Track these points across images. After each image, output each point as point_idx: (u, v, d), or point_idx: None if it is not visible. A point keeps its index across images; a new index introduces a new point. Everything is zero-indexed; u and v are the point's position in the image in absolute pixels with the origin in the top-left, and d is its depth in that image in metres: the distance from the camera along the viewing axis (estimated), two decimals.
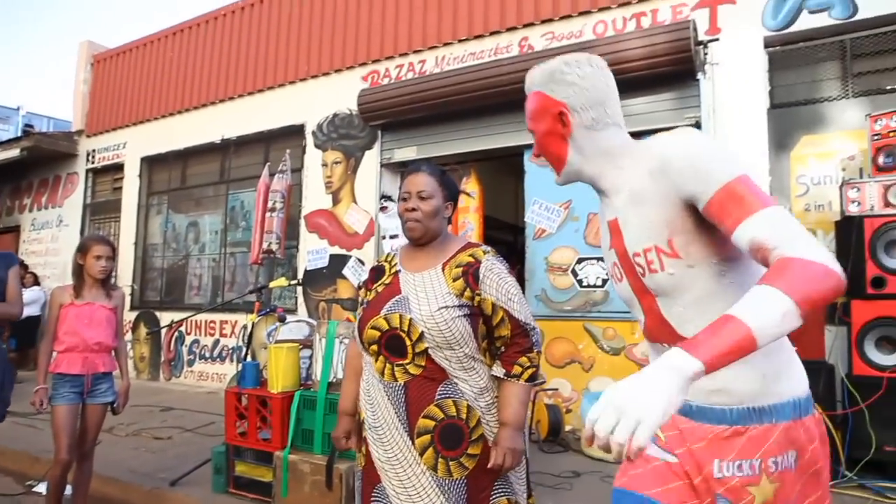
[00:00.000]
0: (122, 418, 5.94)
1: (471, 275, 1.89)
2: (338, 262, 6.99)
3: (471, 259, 1.93)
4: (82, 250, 3.41)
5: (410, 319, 1.84)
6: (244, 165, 8.32)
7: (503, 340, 1.90)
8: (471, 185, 6.15)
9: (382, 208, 6.34)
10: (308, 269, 7.20)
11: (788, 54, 5.06)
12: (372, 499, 1.91)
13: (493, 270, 1.91)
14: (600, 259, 5.52)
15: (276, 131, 7.90)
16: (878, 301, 4.00)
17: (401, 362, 1.85)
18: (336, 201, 7.21)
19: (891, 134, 4.12)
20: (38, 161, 10.58)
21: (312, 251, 7.24)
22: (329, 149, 7.34)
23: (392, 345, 1.86)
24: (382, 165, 6.86)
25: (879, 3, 4.68)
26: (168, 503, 3.90)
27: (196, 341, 8.28)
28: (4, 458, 4.80)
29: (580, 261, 5.60)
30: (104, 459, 4.44)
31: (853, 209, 4.17)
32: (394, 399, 1.86)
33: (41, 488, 3.85)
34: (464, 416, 1.82)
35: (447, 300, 1.85)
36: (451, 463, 1.81)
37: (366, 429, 1.94)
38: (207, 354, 8.14)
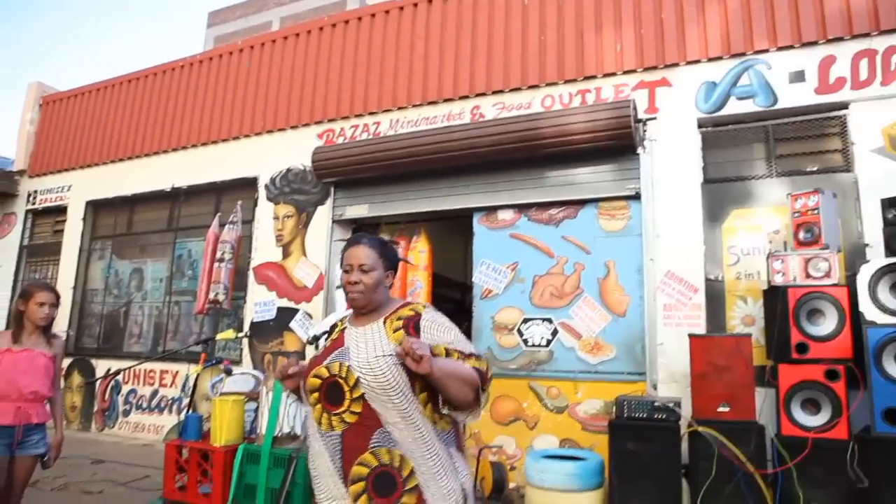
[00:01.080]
0: (49, 471, 5.67)
1: (411, 326, 2.02)
2: (285, 314, 6.95)
3: (411, 312, 2.07)
4: (25, 296, 3.36)
5: (349, 366, 1.95)
6: (194, 214, 8.25)
7: None
8: (420, 244, 6.29)
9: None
10: (255, 320, 7.12)
11: (719, 135, 5.47)
12: None
13: (435, 321, 2.05)
14: (545, 319, 5.70)
15: (229, 182, 7.91)
16: (802, 365, 4.24)
17: (337, 411, 1.94)
18: (286, 254, 7.22)
19: (809, 212, 4.48)
20: None
21: (260, 303, 7.18)
22: (281, 202, 7.39)
23: (331, 392, 1.96)
24: (334, 221, 6.95)
25: (796, 94, 5.16)
26: None
27: (133, 391, 7.98)
28: None
29: (525, 321, 5.76)
30: None
31: (778, 279, 4.47)
32: (330, 448, 1.94)
33: None
34: (397, 464, 1.89)
35: (385, 349, 1.96)
36: None
37: (314, 478, 2.01)
38: (145, 405, 7.84)
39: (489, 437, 5.56)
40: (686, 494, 4.29)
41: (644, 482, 4.30)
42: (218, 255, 6.52)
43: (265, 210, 7.49)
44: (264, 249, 7.39)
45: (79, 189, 9.40)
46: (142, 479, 5.39)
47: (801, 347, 4.25)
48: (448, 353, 1.97)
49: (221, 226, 6.73)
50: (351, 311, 2.21)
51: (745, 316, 5.09)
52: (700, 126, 5.46)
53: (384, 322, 2.06)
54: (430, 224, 6.59)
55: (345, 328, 2.13)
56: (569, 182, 5.80)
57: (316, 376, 1.99)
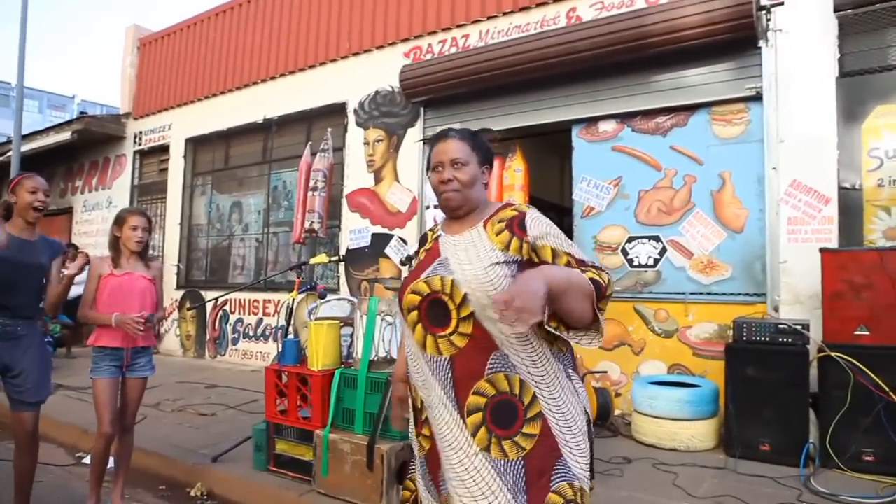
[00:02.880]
0: (168, 394, 6.04)
1: (516, 225, 1.73)
2: (380, 241, 6.90)
3: (514, 213, 1.78)
4: (118, 222, 3.40)
5: (452, 281, 1.69)
6: (286, 145, 8.29)
7: None
8: (516, 163, 5.95)
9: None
10: (350, 248, 7.14)
11: (861, 17, 4.68)
12: (430, 484, 1.78)
13: (542, 220, 1.75)
14: (652, 238, 5.28)
15: (318, 110, 7.83)
16: None
17: (443, 333, 1.70)
18: (378, 180, 7.11)
19: None
20: (89, 144, 10.81)
21: (354, 230, 7.17)
22: (371, 127, 7.23)
23: (433, 311, 1.71)
24: (425, 142, 6.72)
25: None
26: (209, 479, 3.88)
27: (240, 320, 8.34)
28: (56, 430, 4.88)
29: (630, 240, 5.37)
30: (148, 434, 4.47)
31: None
32: (439, 375, 1.71)
33: (89, 460, 3.87)
34: (517, 391, 1.65)
35: (491, 257, 1.69)
36: (504, 443, 1.65)
37: (424, 409, 1.81)
38: (251, 333, 8.18)
39: (592, 363, 5.32)
40: (814, 427, 3.91)
41: (765, 411, 3.95)
42: (311, 183, 6.47)
43: (355, 136, 7.37)
44: (356, 176, 7.31)
45: (178, 127, 9.67)
46: (250, 402, 5.61)
47: None
48: (556, 256, 1.68)
49: (313, 154, 6.66)
50: (442, 218, 1.96)
51: (887, 229, 4.47)
52: (837, 9, 4.68)
53: (484, 226, 1.78)
54: (525, 141, 6.20)
55: (438, 236, 1.87)
56: (678, 85, 5.22)
57: (414, 292, 1.75)
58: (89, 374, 3.30)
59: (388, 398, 3.16)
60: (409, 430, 1.92)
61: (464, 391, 1.67)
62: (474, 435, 1.65)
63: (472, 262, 1.71)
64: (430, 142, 1.92)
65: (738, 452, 3.95)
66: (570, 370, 1.78)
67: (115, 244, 3.39)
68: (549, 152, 7.65)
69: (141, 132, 10.34)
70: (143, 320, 3.19)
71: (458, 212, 1.83)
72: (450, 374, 1.69)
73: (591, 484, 1.81)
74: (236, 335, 8.37)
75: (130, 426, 3.45)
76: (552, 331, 1.61)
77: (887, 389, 3.64)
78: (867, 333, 3.85)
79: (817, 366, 3.94)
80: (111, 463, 3.51)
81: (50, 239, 3.40)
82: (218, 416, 5.27)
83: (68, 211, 11.58)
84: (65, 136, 10.49)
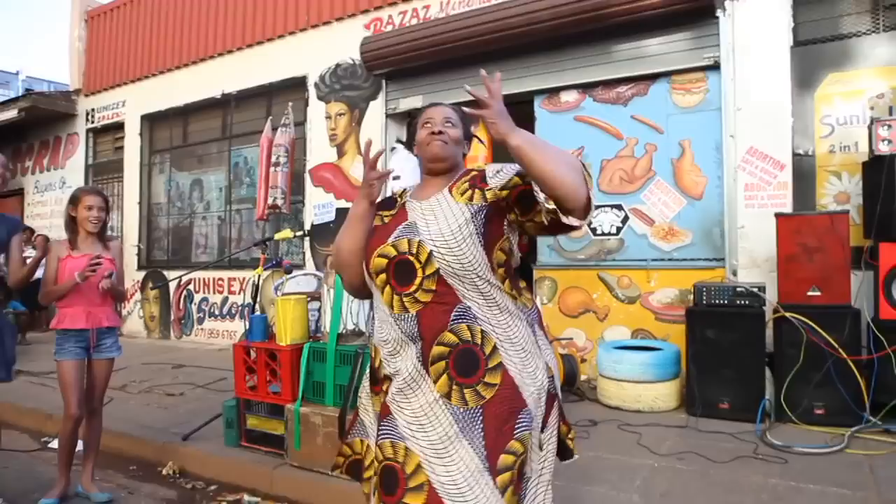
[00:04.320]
0: (134, 376, 5.96)
1: (478, 180, 1.79)
2: (345, 215, 6.82)
3: (475, 172, 1.84)
4: (73, 202, 3.31)
5: (419, 242, 1.73)
6: (246, 121, 8.13)
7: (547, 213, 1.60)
8: (479, 134, 5.93)
9: (392, 149, 6.17)
10: (315, 223, 7.09)
11: None
12: (381, 432, 1.82)
13: (504, 165, 1.79)
14: (615, 207, 5.37)
15: (278, 84, 7.69)
16: None
17: (408, 291, 1.74)
18: (341, 154, 7.04)
19: None
20: (38, 122, 10.43)
21: (319, 205, 7.11)
22: (332, 100, 7.13)
23: (400, 271, 1.76)
24: (388, 115, 6.67)
25: None
26: (181, 457, 3.87)
27: (205, 299, 8.24)
28: (20, 416, 4.79)
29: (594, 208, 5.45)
30: (116, 415, 4.42)
31: (883, 148, 3.99)
32: (406, 330, 1.76)
33: (56, 444, 3.81)
34: (479, 341, 1.71)
35: (457, 214, 1.74)
36: (466, 391, 1.70)
37: (381, 368, 1.84)
38: (217, 312, 8.10)
39: (558, 330, 5.43)
40: (770, 384, 4.08)
41: (725, 371, 4.11)
42: (273, 159, 6.37)
43: (317, 110, 7.27)
44: (319, 151, 7.23)
45: (133, 104, 9.39)
46: (219, 381, 5.58)
47: None
48: (524, 181, 1.66)
49: (274, 129, 6.54)
50: (410, 186, 1.98)
51: (838, 193, 4.63)
52: None
53: (449, 191, 1.83)
54: None
55: (405, 202, 1.91)
56: (638, 55, 5.28)
57: (382, 255, 1.78)
58: (54, 356, 3.25)
59: (358, 370, 3.19)
60: (360, 395, 1.96)
61: (428, 343, 1.72)
62: (436, 382, 1.70)
63: (439, 220, 1.75)
64: (419, 112, 1.94)
65: (699, 411, 4.11)
66: (535, 326, 1.83)
67: (71, 225, 3.31)
68: (515, 122, 7.66)
69: (93, 109, 10.01)
70: (96, 262, 3.11)
71: (442, 163, 1.87)
72: (416, 329, 1.73)
73: (572, 435, 1.89)
74: (202, 314, 8.27)
75: (98, 408, 3.41)
76: (552, 211, 1.56)
77: (837, 346, 3.81)
78: (819, 294, 4.01)
79: (773, 326, 4.10)
80: (80, 446, 3.48)
81: (7, 216, 3.31)
82: (186, 396, 5.23)
83: (19, 193, 11.19)
84: (11, 114, 10.11)
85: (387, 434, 1.79)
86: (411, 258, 1.73)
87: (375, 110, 6.77)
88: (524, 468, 1.74)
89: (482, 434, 1.69)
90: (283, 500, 3.32)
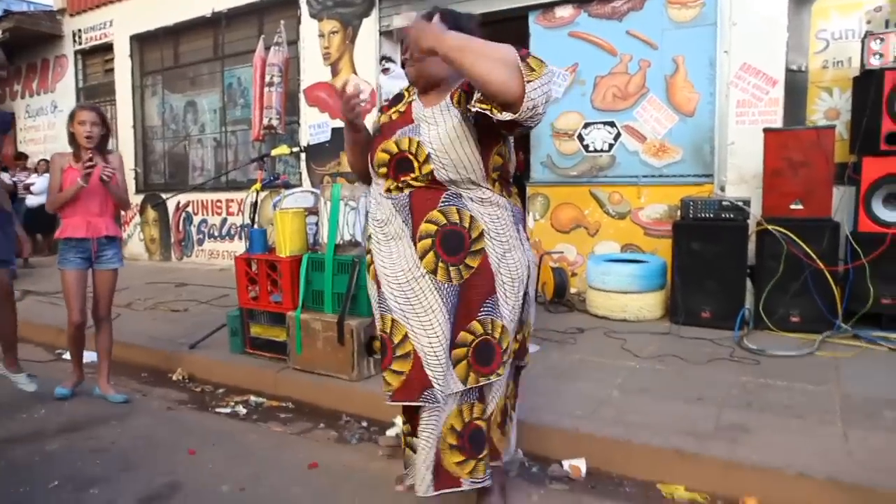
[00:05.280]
0: (138, 294, 6.15)
1: (466, 85, 1.85)
2: (340, 135, 6.83)
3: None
4: (70, 118, 3.46)
5: (419, 142, 1.84)
6: (238, 40, 7.98)
7: None
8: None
9: (384, 70, 6.13)
10: (310, 143, 7.10)
11: None
12: (377, 307, 1.99)
13: None
14: (607, 123, 5.40)
15: (269, 2, 7.51)
16: (890, 158, 3.95)
17: (405, 178, 1.87)
18: (335, 73, 6.98)
19: None
20: (22, 44, 10.17)
21: (314, 125, 7.11)
22: (325, 18, 7.00)
23: (400, 166, 1.88)
24: (381, 33, 6.57)
25: None
26: (189, 364, 4.09)
27: (204, 221, 8.35)
28: (34, 331, 4.98)
29: (586, 125, 5.49)
30: (125, 329, 4.62)
31: (874, 62, 4.01)
32: (399, 207, 1.90)
33: (68, 356, 4.02)
34: (466, 224, 1.85)
35: (453, 121, 1.83)
36: (451, 269, 1.86)
37: (371, 242, 2.00)
38: (216, 233, 8.23)
39: (550, 244, 5.58)
40: (750, 294, 4.26)
41: (708, 282, 4.27)
42: (267, 79, 6.30)
43: (310, 28, 7.15)
44: (313, 70, 7.16)
45: (121, 23, 9.17)
46: (221, 297, 5.76)
47: (892, 138, 3.91)
48: None
49: (267, 48, 6.43)
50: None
51: (828, 109, 4.68)
52: None
53: (451, 99, 1.90)
54: (483, 29, 6.09)
55: (412, 101, 1.99)
56: None
57: (384, 151, 1.92)
58: (57, 265, 3.45)
59: (355, 279, 3.35)
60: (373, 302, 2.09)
61: (418, 220, 1.86)
62: (422, 258, 1.85)
63: (438, 126, 1.85)
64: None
65: (682, 320, 4.31)
66: (519, 225, 1.97)
67: (72, 140, 3.45)
68: (507, 39, 7.54)
69: (80, 30, 9.77)
70: (89, 163, 3.25)
71: (424, 82, 1.94)
72: (408, 206, 1.88)
73: (528, 331, 2.06)
74: (201, 236, 8.40)
75: (106, 317, 3.59)
76: (485, 108, 1.66)
77: (815, 257, 3.96)
78: (801, 207, 4.12)
79: (755, 239, 4.24)
80: (94, 357, 3.69)
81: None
82: (190, 311, 5.43)
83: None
84: None
85: (378, 308, 1.98)
86: (410, 156, 1.85)
87: (369, 28, 6.66)
88: (483, 347, 1.90)
89: (454, 310, 1.86)
90: (287, 399, 3.55)
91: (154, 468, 2.71)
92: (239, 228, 7.88)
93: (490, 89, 1.61)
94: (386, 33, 6.59)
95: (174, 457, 2.82)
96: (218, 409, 3.48)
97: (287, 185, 4.12)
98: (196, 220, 8.43)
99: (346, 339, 3.35)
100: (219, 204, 8.13)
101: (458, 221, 1.85)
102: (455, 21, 1.92)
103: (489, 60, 1.60)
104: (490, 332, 1.88)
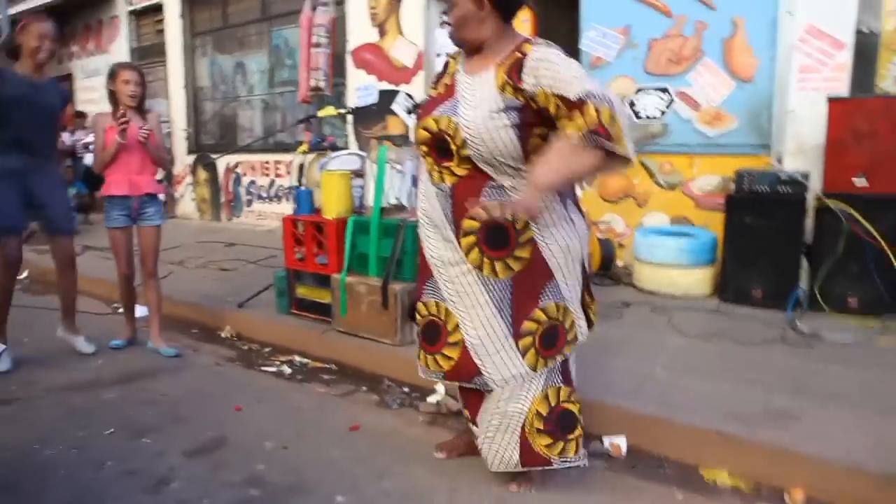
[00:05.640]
0: (189, 253, 6.32)
1: (514, 70, 1.78)
2: (387, 97, 6.83)
3: (518, 55, 1.81)
4: (111, 76, 3.52)
5: (457, 124, 1.80)
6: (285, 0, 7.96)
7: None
8: (523, 13, 5.71)
9: (443, 23, 6.05)
10: (357, 105, 7.08)
11: None
12: (425, 290, 1.99)
13: (542, 59, 1.74)
14: (660, 89, 5.21)
15: None
16: None
17: (447, 164, 1.84)
18: (382, 34, 6.91)
19: None
20: (77, 5, 10.37)
21: (361, 87, 7.07)
22: None
23: (440, 147, 1.85)
24: None
25: None
26: (237, 323, 4.20)
27: (253, 182, 8.48)
28: (93, 285, 5.18)
29: (638, 91, 5.30)
30: (176, 287, 4.76)
31: None
32: (442, 199, 1.88)
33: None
34: (509, 217, 1.78)
35: (492, 105, 1.77)
36: (496, 264, 1.83)
37: (420, 226, 2.00)
38: (264, 195, 8.36)
39: (597, 215, 5.46)
40: (805, 274, 4.09)
41: (760, 260, 4.12)
42: (314, 40, 6.25)
43: None
44: (359, 31, 7.10)
45: None
46: (268, 258, 5.88)
47: None
48: (548, 100, 1.70)
49: (314, 9, 6.41)
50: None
51: None
52: None
53: (496, 69, 1.82)
54: None
55: (456, 72, 1.94)
56: None
57: (425, 128, 1.89)
58: (105, 224, 3.61)
59: (400, 243, 3.35)
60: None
61: (460, 215, 1.83)
62: (468, 254, 1.83)
63: (477, 107, 1.79)
64: None
65: (732, 297, 4.19)
66: (567, 200, 1.92)
67: (112, 98, 3.54)
68: (557, 1, 7.32)
69: None
70: (122, 120, 3.34)
71: (466, 47, 1.91)
72: (450, 200, 1.84)
73: (593, 306, 2.03)
74: (250, 197, 8.55)
75: (153, 272, 3.73)
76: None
77: (877, 237, 3.76)
78: (865, 182, 3.92)
79: (814, 215, 4.05)
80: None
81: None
82: (239, 271, 5.55)
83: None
84: None
85: (431, 294, 1.97)
86: (448, 139, 1.81)
87: None
88: (550, 332, 1.89)
89: (510, 303, 1.84)
90: (330, 361, 3.61)
91: (202, 422, 2.80)
92: (286, 190, 7.98)
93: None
94: None
95: (221, 412, 2.92)
96: (264, 368, 3.57)
97: (334, 147, 4.11)
98: (245, 181, 8.57)
99: (390, 304, 3.38)
100: (267, 166, 8.24)
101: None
102: None
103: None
104: (555, 316, 1.87)
